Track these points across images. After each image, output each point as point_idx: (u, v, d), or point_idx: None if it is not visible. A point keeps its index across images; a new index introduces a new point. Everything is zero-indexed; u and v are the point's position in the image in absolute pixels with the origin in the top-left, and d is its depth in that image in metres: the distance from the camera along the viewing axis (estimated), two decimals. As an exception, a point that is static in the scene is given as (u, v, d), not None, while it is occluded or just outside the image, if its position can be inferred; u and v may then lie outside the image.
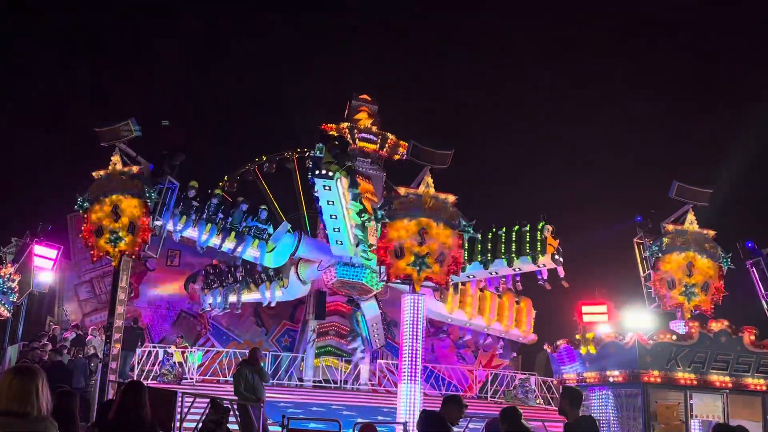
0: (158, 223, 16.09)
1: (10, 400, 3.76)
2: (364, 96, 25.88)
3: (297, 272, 21.84)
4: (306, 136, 29.56)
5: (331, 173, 17.35)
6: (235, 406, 12.35)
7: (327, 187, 17.78)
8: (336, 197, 18.21)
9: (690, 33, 34.99)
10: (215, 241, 19.88)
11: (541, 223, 18.40)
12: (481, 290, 22.98)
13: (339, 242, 19.66)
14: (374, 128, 24.46)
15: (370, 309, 22.38)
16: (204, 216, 19.65)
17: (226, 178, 30.42)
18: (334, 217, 18.91)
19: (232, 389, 13.29)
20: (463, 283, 21.64)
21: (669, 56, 35.88)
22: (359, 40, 36.10)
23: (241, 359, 14.97)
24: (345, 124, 24.17)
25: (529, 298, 23.59)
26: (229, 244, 20.03)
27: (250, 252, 20.32)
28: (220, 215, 19.93)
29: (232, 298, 23.07)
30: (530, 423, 7.20)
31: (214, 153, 31.65)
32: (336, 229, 19.31)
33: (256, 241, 20.14)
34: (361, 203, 18.77)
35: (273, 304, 23.47)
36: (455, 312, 22.39)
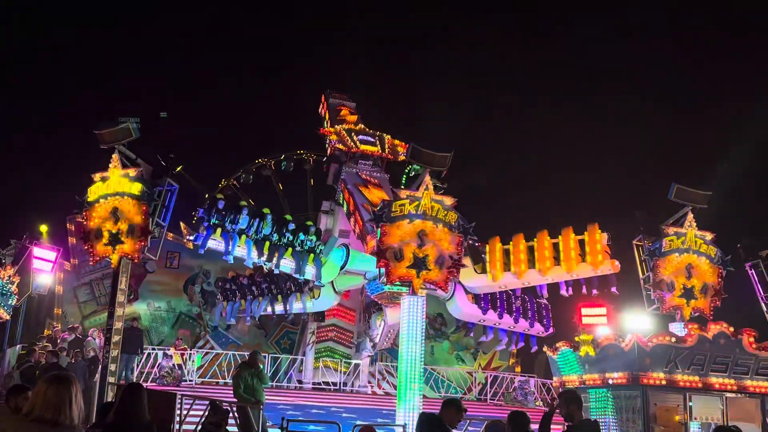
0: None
1: (43, 407, 3.79)
2: (338, 93, 25.68)
3: (333, 283, 21.07)
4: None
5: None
6: (235, 409, 12.35)
7: None
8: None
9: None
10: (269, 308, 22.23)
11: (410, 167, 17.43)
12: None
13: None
14: (360, 127, 24.25)
15: (394, 316, 21.09)
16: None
17: (241, 171, 30.53)
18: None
19: (232, 391, 13.29)
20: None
21: (667, 55, 35.98)
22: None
23: (240, 361, 14.94)
24: (341, 127, 24.13)
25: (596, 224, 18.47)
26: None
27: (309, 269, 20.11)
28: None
29: (263, 311, 22.69)
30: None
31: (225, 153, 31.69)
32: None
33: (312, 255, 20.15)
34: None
35: (292, 316, 23.13)
36: (503, 277, 18.90)
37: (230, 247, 18.34)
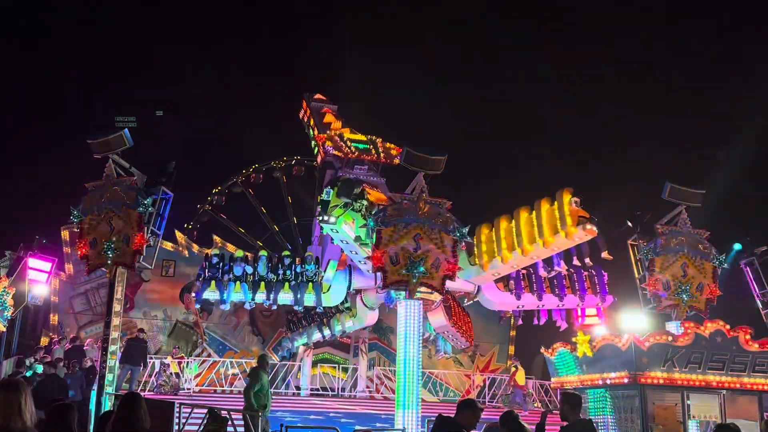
0: None
1: None
2: (319, 96, 25.61)
3: (362, 300, 20.80)
4: (292, 143, 29.83)
5: (333, 219, 16.47)
6: (234, 415, 12.33)
7: (334, 231, 17.14)
8: (345, 236, 17.31)
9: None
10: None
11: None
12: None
13: (368, 271, 18.42)
14: (350, 130, 24.20)
15: (435, 320, 20.02)
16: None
17: (214, 191, 30.65)
18: (347, 244, 17.88)
19: (228, 397, 13.28)
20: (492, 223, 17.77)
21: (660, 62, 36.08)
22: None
23: (251, 367, 14.81)
24: (334, 132, 24.11)
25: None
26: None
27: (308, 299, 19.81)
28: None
29: (316, 337, 22.99)
30: (530, 426, 7.24)
31: (198, 168, 31.68)
32: (357, 257, 18.40)
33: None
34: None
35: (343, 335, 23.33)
36: (491, 264, 17.64)
37: (225, 296, 18.94)
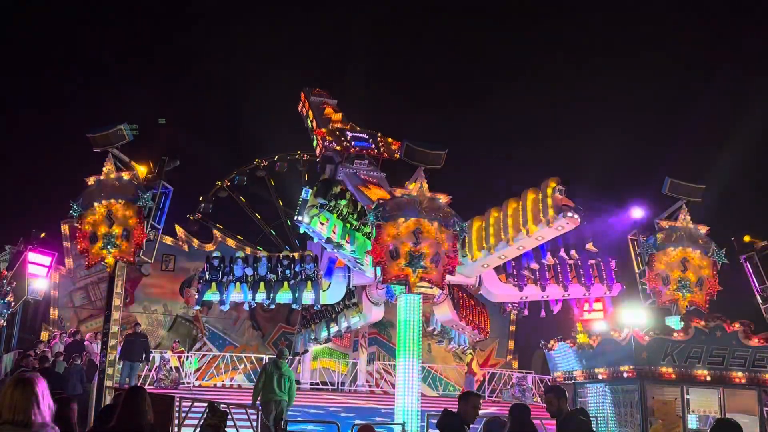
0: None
1: (12, 410, 3.85)
2: (319, 90, 25.56)
3: (368, 296, 20.54)
4: (275, 141, 29.81)
5: (308, 219, 16.06)
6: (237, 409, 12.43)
7: (310, 231, 16.73)
8: (326, 236, 16.77)
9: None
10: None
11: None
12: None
13: (359, 269, 18.47)
14: (350, 125, 24.10)
15: (441, 313, 19.88)
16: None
17: (201, 199, 30.65)
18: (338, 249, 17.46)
19: (228, 391, 13.31)
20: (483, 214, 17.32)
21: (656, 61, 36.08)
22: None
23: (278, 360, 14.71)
24: (334, 126, 24.04)
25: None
26: None
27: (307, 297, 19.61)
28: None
29: (324, 334, 22.77)
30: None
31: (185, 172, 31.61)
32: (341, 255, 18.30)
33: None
34: (348, 218, 16.92)
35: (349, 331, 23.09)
36: (480, 255, 17.09)
37: (225, 297, 19.00)
